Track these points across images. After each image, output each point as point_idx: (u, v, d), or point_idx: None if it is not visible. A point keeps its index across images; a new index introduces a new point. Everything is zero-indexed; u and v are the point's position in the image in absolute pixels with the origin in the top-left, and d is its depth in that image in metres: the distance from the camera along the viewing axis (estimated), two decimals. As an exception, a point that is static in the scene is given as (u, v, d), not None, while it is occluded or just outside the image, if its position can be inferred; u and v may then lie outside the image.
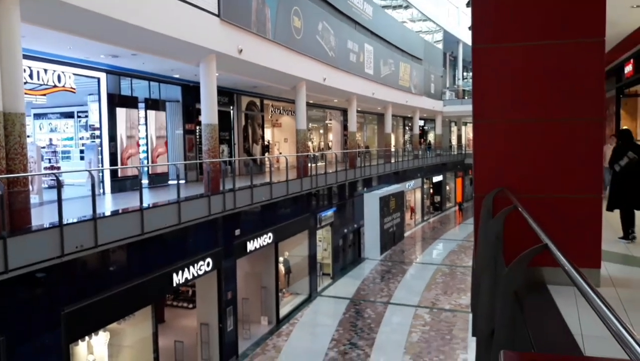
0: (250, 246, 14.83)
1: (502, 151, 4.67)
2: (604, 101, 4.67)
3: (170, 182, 15.25)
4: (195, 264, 11.86)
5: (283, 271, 18.65)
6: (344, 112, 29.30)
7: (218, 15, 12.38)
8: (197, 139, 17.22)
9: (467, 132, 50.75)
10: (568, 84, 4.52)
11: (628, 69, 12.87)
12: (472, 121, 4.82)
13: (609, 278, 4.77)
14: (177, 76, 15.64)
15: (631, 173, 6.51)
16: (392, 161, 28.51)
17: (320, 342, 15.11)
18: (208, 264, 12.41)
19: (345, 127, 30.16)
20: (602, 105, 4.57)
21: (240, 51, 13.33)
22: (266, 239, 15.74)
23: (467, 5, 14.95)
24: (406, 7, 39.10)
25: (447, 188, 41.91)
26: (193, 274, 11.74)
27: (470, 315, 16.51)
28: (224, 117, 18.19)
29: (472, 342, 14.62)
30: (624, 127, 14.18)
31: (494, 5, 4.73)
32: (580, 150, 4.53)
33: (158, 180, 15.08)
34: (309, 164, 18.65)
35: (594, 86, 4.48)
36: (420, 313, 17.31)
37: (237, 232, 14.09)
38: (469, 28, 16.56)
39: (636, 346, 1.13)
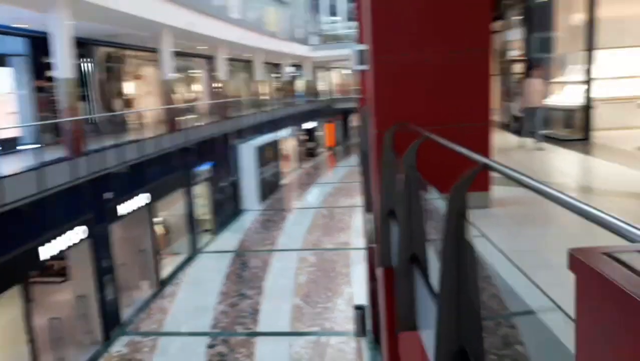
0: (124, 209, 13.88)
1: (399, 86, 4.67)
2: (489, 32, 4.83)
3: (20, 147, 13.54)
4: (66, 235, 10.78)
5: (161, 232, 17.84)
6: (211, 60, 28.06)
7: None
8: (51, 97, 15.36)
9: (334, 77, 51.64)
10: (456, 17, 4.59)
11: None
12: (372, 58, 4.73)
13: (497, 199, 5.11)
14: (22, 25, 13.59)
15: None
16: (265, 110, 28.16)
17: (208, 298, 14.88)
18: (80, 233, 11.37)
19: (213, 76, 28.97)
20: (487, 36, 4.73)
21: (93, -6, 11.90)
22: (140, 200, 14.82)
23: None
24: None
25: (320, 133, 42.68)
26: (65, 245, 10.68)
27: (353, 251, 17.28)
28: (78, 71, 16.38)
29: (357, 276, 15.39)
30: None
31: None
32: (469, 81, 4.68)
33: (6, 146, 13.28)
34: (179, 118, 17.68)
35: (479, 17, 4.61)
36: (305, 256, 17.75)
37: (109, 195, 13.05)
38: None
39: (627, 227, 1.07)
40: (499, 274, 2.78)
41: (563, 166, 7.48)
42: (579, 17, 10.63)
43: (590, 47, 9.99)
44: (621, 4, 10.75)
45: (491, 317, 2.49)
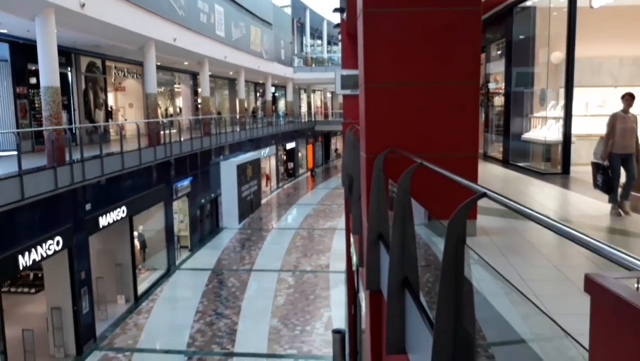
0: (103, 221, 13.73)
1: (390, 113, 4.82)
2: (479, 66, 5.05)
3: None
4: (44, 244, 10.63)
5: (138, 246, 17.63)
6: (194, 76, 28.13)
7: (56, -37, 10.90)
8: (31, 104, 15.24)
9: (316, 99, 52.12)
10: (448, 49, 4.78)
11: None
12: (363, 84, 4.88)
13: (480, 228, 5.27)
14: (3, 30, 13.51)
15: None
16: (247, 128, 28.24)
17: (184, 316, 14.70)
18: (58, 243, 11.22)
19: (195, 92, 29.01)
20: (477, 70, 4.95)
21: (83, 5, 11.94)
22: (120, 213, 14.69)
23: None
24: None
25: (300, 154, 42.87)
26: (42, 255, 10.53)
27: (332, 274, 17.30)
28: (61, 80, 16.24)
29: (336, 300, 15.40)
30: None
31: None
32: (458, 112, 4.87)
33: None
34: (161, 132, 17.64)
35: (470, 51, 4.82)
36: (284, 277, 17.69)
37: (88, 207, 12.92)
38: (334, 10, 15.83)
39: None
40: (490, 303, 2.89)
41: (542, 198, 7.73)
42: (558, 55, 11.07)
43: (568, 84, 10.39)
44: (598, 45, 11.23)
45: (484, 344, 2.58)
